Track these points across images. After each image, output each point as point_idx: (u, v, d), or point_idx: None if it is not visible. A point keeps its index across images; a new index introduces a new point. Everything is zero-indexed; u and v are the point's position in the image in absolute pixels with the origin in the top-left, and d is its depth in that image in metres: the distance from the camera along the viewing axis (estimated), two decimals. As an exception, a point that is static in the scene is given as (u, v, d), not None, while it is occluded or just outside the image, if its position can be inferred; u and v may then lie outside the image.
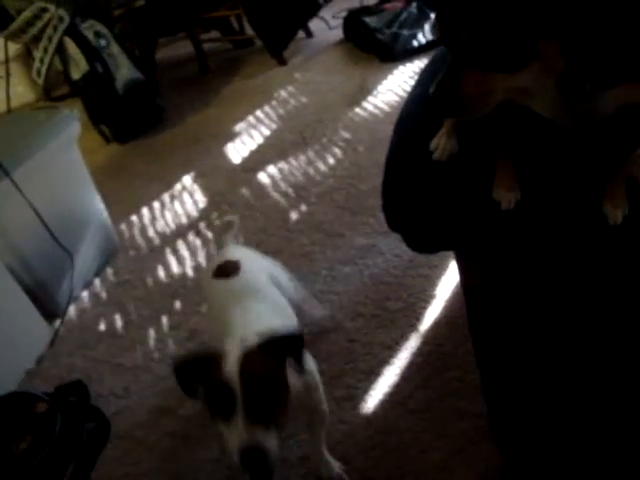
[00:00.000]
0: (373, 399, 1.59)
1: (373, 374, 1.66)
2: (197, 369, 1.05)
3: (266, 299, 1.38)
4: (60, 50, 3.03)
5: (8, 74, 3.48)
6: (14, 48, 3.61)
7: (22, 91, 4.11)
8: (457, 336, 1.67)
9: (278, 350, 1.06)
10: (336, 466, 1.42)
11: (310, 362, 1.28)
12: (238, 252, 1.59)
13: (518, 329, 1.07)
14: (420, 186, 1.02)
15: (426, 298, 1.85)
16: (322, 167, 2.66)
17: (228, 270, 1.44)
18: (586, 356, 1.07)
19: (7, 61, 3.40)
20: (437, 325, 1.76)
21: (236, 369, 0.98)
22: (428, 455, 1.41)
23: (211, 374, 1.01)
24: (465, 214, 0.98)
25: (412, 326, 1.77)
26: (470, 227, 0.99)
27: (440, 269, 1.93)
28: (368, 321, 1.83)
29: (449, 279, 1.89)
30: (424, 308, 1.82)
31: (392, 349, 1.71)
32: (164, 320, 2.05)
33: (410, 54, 3.41)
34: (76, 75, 3.11)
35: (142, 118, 3.37)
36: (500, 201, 0.94)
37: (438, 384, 1.57)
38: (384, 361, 1.68)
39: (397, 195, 1.05)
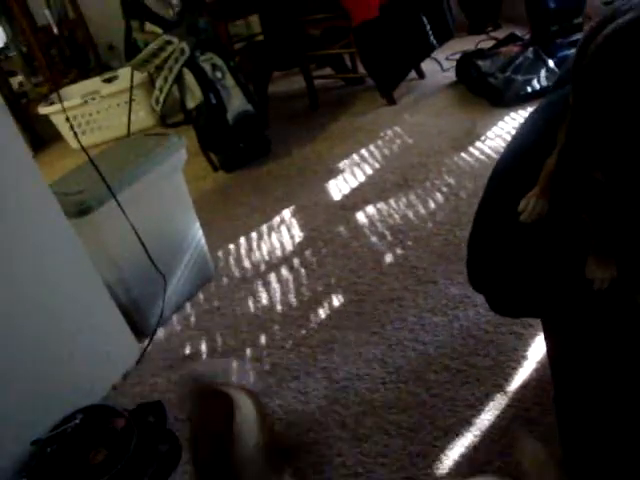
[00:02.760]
0: (449, 460, 1.50)
1: (452, 433, 1.57)
2: None
3: None
4: (179, 80, 3.18)
5: (132, 100, 3.69)
6: (139, 77, 3.84)
7: (143, 116, 4.38)
8: (546, 402, 1.55)
9: None
10: None
11: None
12: None
13: (605, 408, 0.98)
14: (504, 248, 0.96)
15: (517, 358, 1.74)
16: (422, 211, 2.61)
17: None
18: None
19: (132, 88, 3.61)
20: (526, 388, 1.64)
21: None
22: (502, 531, 1.31)
23: None
24: (549, 283, 0.90)
25: (499, 386, 1.67)
26: (554, 297, 0.91)
27: (535, 329, 1.81)
28: (453, 376, 1.74)
29: (544, 340, 1.77)
30: (514, 369, 1.71)
31: (475, 408, 1.62)
32: (248, 351, 2.05)
33: (523, 100, 3.30)
34: (191, 104, 3.25)
35: (250, 149, 3.46)
36: (594, 280, 0.86)
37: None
38: (465, 420, 1.59)
39: (481, 254, 1.00)
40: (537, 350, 1.75)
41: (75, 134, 2.01)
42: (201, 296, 2.42)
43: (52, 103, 4.31)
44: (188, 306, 2.37)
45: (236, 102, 3.27)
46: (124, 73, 4.39)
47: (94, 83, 4.62)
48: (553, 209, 0.92)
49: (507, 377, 1.69)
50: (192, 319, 2.30)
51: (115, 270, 2.08)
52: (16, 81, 5.26)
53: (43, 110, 4.33)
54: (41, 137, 4.76)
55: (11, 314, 1.70)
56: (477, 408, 1.62)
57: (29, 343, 1.75)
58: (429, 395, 1.69)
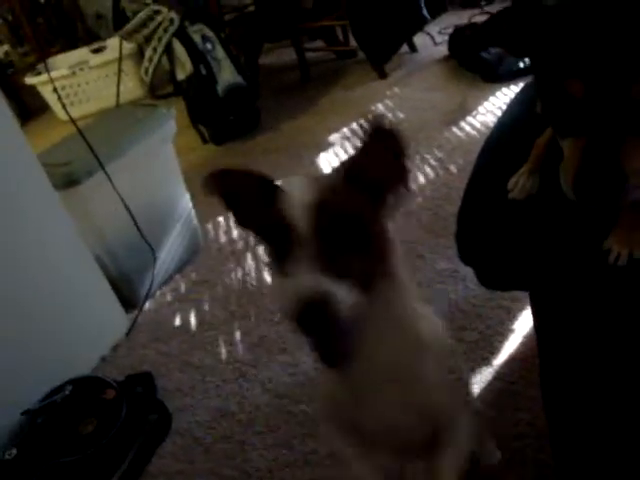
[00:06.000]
0: (435, 431, 1.52)
1: (438, 405, 1.59)
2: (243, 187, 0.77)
3: None
4: (168, 51, 3.15)
5: (121, 71, 3.63)
6: (128, 47, 3.78)
7: (132, 87, 4.33)
8: (532, 376, 1.57)
9: (369, 184, 0.74)
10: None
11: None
12: None
13: (591, 382, 0.99)
14: (494, 222, 0.96)
15: (504, 332, 1.76)
16: (412, 185, 2.60)
17: None
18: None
19: (121, 59, 3.55)
20: (512, 361, 1.66)
21: (305, 197, 0.70)
22: (486, 499, 1.34)
23: (268, 200, 0.72)
24: (539, 258, 0.90)
25: (486, 359, 1.69)
26: (543, 272, 0.91)
27: (522, 302, 1.83)
28: (440, 349, 1.76)
29: (530, 314, 1.79)
30: (501, 342, 1.73)
31: (461, 381, 1.64)
32: (236, 324, 2.06)
33: (515, 76, 3.27)
34: (181, 76, 3.22)
35: (240, 121, 3.43)
36: (611, 253, 0.83)
37: (506, 425, 1.48)
38: (451, 393, 1.61)
39: (470, 228, 0.99)
40: (524, 324, 1.77)
41: (63, 105, 1.98)
42: (190, 268, 2.42)
43: (39, 73, 4.23)
44: (178, 278, 2.37)
45: (226, 74, 3.23)
46: (113, 43, 4.31)
47: (82, 53, 4.55)
48: (545, 185, 0.91)
49: (494, 351, 1.71)
50: (181, 291, 2.30)
51: (104, 242, 2.07)
52: (2, 50, 5.16)
53: (30, 80, 4.26)
54: (29, 108, 4.69)
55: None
56: (463, 381, 1.64)
57: (16, 314, 1.75)
58: (416, 368, 1.71)
